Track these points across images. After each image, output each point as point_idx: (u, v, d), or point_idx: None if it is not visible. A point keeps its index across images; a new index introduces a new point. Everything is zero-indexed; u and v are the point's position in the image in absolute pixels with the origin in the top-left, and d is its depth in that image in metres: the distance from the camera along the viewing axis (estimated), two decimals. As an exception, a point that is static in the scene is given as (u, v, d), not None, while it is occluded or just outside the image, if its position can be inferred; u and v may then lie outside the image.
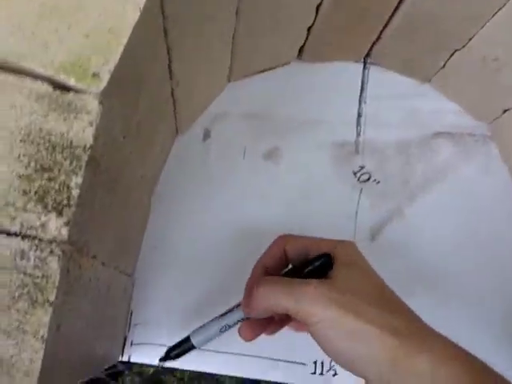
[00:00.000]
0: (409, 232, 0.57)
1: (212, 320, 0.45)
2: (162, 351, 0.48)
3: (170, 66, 0.42)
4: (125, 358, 0.52)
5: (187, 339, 0.46)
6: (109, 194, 0.36)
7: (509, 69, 0.52)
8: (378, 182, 0.59)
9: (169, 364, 0.49)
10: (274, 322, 0.46)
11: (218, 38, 0.48)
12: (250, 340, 0.45)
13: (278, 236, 0.46)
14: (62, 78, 0.29)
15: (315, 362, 0.54)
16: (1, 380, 0.27)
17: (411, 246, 0.57)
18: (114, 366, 0.53)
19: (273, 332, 0.47)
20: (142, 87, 0.38)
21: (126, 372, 0.54)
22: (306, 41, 0.56)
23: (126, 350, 0.53)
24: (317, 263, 0.41)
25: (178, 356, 0.47)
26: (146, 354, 0.53)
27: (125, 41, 0.30)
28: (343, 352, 0.37)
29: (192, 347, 0.46)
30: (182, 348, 0.46)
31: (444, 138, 0.60)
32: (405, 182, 0.59)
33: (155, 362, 0.52)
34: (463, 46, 0.53)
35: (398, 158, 0.59)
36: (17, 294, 0.27)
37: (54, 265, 0.28)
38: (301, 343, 0.54)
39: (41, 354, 0.27)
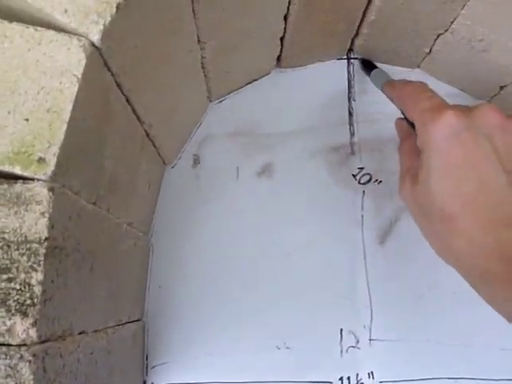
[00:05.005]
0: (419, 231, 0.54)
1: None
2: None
3: (135, 113, 0.40)
4: (147, 401, 0.52)
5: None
6: (87, 265, 0.34)
7: (496, 48, 0.49)
8: (380, 182, 0.56)
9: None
10: None
11: (185, 69, 0.46)
12: None
13: None
14: (6, 168, 0.28)
15: (341, 379, 0.52)
16: None
17: (424, 245, 0.54)
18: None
19: None
20: (104, 145, 0.36)
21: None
22: (281, 50, 0.54)
23: (146, 394, 0.52)
24: None
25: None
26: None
27: (67, 118, 0.29)
28: None
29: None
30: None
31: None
32: (408, 178, 0.56)
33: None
34: (445, 31, 0.50)
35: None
36: (-9, 409, 0.26)
37: (25, 371, 0.26)
38: (325, 360, 0.52)
39: None
